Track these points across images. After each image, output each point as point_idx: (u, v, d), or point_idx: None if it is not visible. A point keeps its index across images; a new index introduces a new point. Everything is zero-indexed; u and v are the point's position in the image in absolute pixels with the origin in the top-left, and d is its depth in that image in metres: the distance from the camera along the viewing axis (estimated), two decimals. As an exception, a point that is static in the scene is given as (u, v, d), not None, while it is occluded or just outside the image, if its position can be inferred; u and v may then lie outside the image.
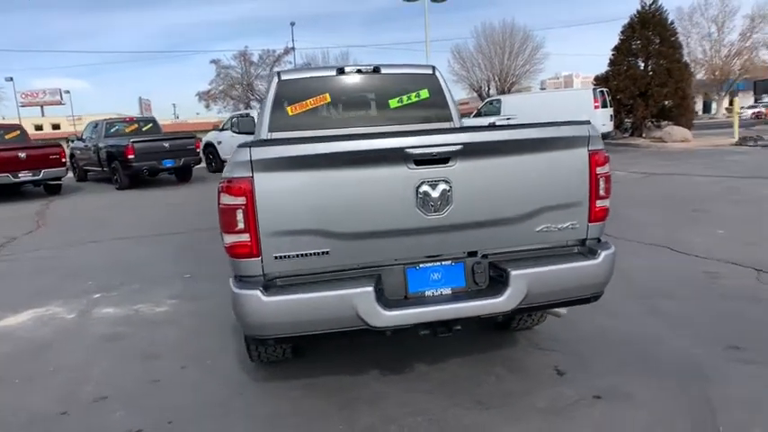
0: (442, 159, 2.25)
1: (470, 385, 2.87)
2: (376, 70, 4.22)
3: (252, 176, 2.15)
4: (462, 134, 2.28)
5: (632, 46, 17.71)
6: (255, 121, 5.66)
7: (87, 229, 8.21)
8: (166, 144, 12.77)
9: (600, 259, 2.44)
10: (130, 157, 12.13)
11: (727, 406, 2.52)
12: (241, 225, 2.18)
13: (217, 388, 2.97)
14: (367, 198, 2.24)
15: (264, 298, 2.16)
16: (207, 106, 25.76)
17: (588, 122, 2.45)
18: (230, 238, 2.22)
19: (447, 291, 2.39)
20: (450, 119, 4.31)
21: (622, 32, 18.24)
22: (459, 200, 2.28)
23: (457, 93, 54.99)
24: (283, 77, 4.05)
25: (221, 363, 3.28)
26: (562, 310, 2.93)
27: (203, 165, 15.68)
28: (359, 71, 4.19)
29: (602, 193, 2.47)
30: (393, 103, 4.23)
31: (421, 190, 2.25)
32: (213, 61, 25.57)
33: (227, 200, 2.19)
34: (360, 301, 2.20)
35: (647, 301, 3.90)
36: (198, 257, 5.91)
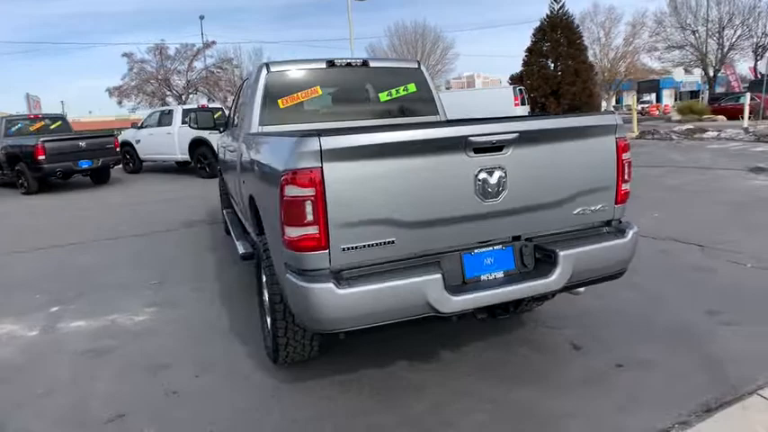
0: (497, 147, 2.33)
1: (502, 366, 2.98)
2: (365, 63, 4.21)
3: (321, 166, 2.09)
4: (517, 123, 2.37)
5: (543, 48, 18.95)
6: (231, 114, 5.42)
7: (3, 238, 7.35)
8: (82, 143, 11.69)
9: (629, 237, 2.65)
10: (41, 158, 10.98)
11: (730, 360, 2.84)
12: (310, 217, 2.11)
13: (245, 394, 2.83)
14: (430, 186, 2.26)
15: (339, 291, 2.11)
16: (119, 102, 23.82)
17: (614, 112, 2.64)
18: (296, 231, 2.14)
19: (500, 274, 2.47)
20: (436, 112, 4.40)
21: (534, 35, 19.46)
22: (512, 186, 2.37)
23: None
24: (272, 69, 3.91)
25: (237, 368, 3.12)
26: (581, 288, 3.13)
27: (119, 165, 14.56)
28: (348, 64, 4.16)
29: (626, 177, 2.67)
30: (383, 96, 4.24)
31: (480, 177, 2.32)
32: (126, 54, 23.70)
33: (295, 191, 2.10)
34: (430, 288, 2.23)
35: (621, 279, 4.25)
36: (154, 262, 5.53)
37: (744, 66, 32.05)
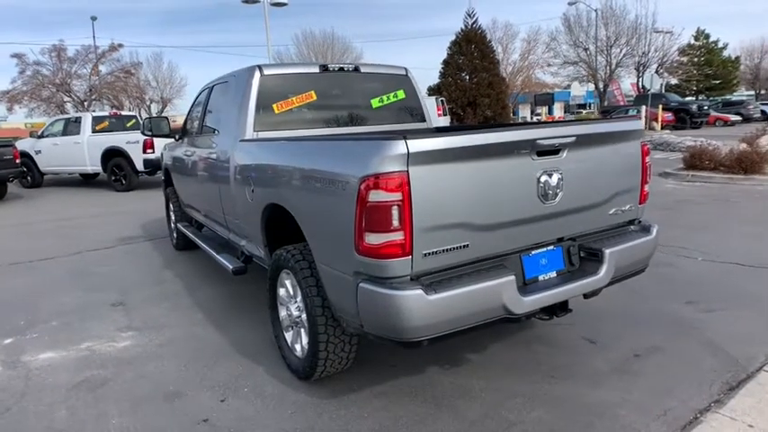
0: (554, 150, 2.41)
1: (530, 364, 3.06)
2: (356, 69, 4.16)
3: (407, 170, 2.03)
4: (573, 127, 2.47)
5: (459, 60, 19.80)
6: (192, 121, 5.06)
7: None
8: (-25, 154, 10.31)
9: (653, 234, 2.86)
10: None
11: (727, 342, 3.16)
12: (396, 223, 2.04)
13: (288, 416, 2.65)
14: (499, 189, 2.29)
15: (429, 297, 2.06)
16: (9, 109, 20.96)
17: (638, 118, 2.85)
18: (379, 238, 2.06)
19: (553, 274, 2.55)
20: (424, 119, 4.44)
21: (450, 48, 20.27)
22: (566, 188, 2.47)
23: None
24: (265, 72, 3.72)
25: (263, 389, 2.92)
26: None
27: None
28: (341, 69, 4.08)
29: (648, 179, 2.88)
30: (375, 102, 4.20)
31: (541, 180, 2.38)
32: (16, 55, 20.96)
33: (380, 196, 2.02)
34: (505, 290, 2.24)
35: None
36: (105, 283, 5.03)
37: (627, 82, 35.83)
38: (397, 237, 2.06)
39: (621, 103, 33.35)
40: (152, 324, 3.93)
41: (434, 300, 2.07)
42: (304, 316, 2.85)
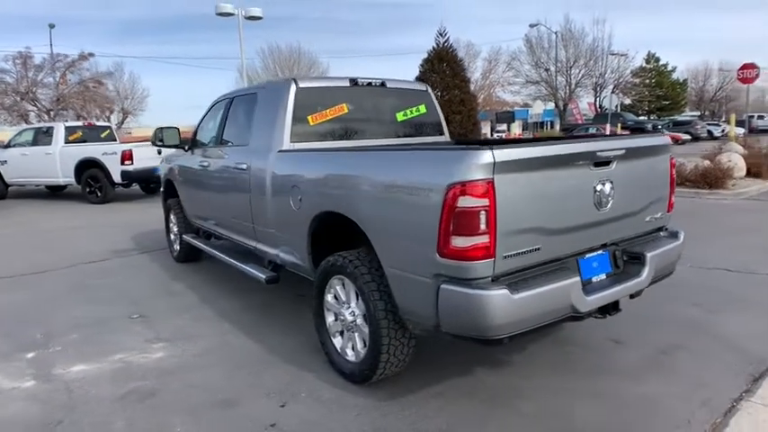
0: (607, 162, 2.62)
1: (568, 363, 3.25)
2: (383, 84, 4.31)
3: (493, 177, 2.18)
4: (623, 141, 2.70)
5: (432, 78, 20.27)
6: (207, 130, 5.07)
7: None
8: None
9: (681, 240, 3.12)
10: None
11: (739, 339, 3.43)
12: (483, 227, 2.19)
13: (349, 417, 2.72)
14: (565, 196, 2.48)
15: (513, 296, 2.20)
16: None
17: (664, 133, 3.11)
18: (466, 241, 2.20)
19: (603, 276, 2.74)
20: (443, 132, 4.63)
21: (422, 66, 20.71)
22: (616, 197, 2.68)
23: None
24: (301, 85, 3.82)
25: (319, 393, 2.97)
26: None
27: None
28: (369, 84, 4.22)
29: (674, 189, 3.14)
30: (400, 116, 4.36)
31: (597, 188, 2.59)
32: None
33: (469, 202, 2.17)
34: (573, 290, 2.42)
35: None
36: (114, 296, 4.93)
37: (585, 101, 37.46)
38: (483, 240, 2.20)
39: (579, 122, 34.79)
40: (180, 335, 3.90)
41: (517, 299, 2.22)
42: (360, 320, 2.95)
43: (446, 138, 4.63)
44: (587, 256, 2.68)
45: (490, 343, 2.31)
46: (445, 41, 20.83)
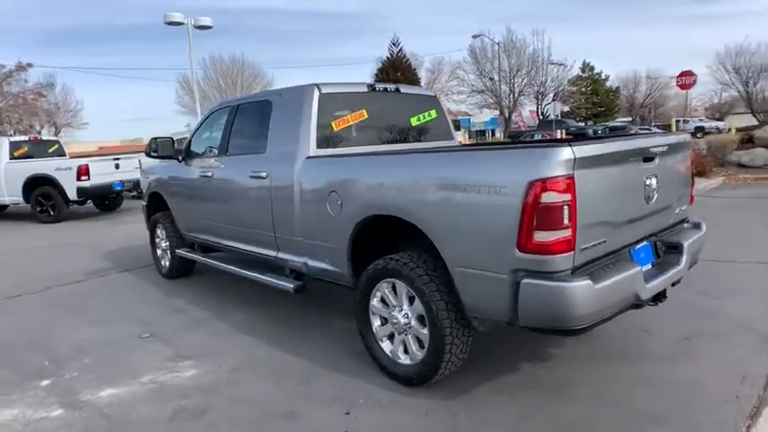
0: (652, 158, 2.78)
1: (606, 352, 3.38)
2: (397, 90, 4.35)
3: (573, 173, 2.27)
4: (664, 138, 2.87)
5: (387, 87, 20.58)
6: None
7: None
8: None
9: (704, 231, 3.34)
10: None
11: (750, 322, 3.70)
12: (566, 221, 2.27)
13: (420, 418, 2.72)
14: (625, 190, 2.61)
15: (595, 285, 2.29)
16: None
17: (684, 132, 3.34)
18: (550, 236, 2.27)
19: (649, 266, 2.89)
20: (452, 137, 4.73)
21: (376, 75, 21.00)
22: (659, 190, 2.85)
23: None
24: (324, 90, 3.79)
25: (375, 397, 2.95)
26: None
27: None
28: (385, 89, 4.25)
29: (694, 183, 3.37)
30: (414, 121, 4.41)
31: (647, 183, 2.74)
32: None
33: (553, 197, 2.24)
34: (637, 278, 2.55)
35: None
36: (110, 315, 4.67)
37: (527, 109, 39.01)
38: (566, 234, 2.28)
39: (523, 129, 36.17)
40: (203, 352, 3.74)
41: (598, 289, 2.31)
42: (414, 322, 2.95)
43: (454, 141, 4.73)
44: (636, 247, 2.83)
45: (570, 333, 2.39)
46: (399, 51, 21.33)
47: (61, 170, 10.71)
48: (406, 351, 3.07)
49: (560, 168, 2.26)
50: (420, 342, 2.97)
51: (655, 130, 34.73)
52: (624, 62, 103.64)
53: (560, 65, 34.59)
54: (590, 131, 29.82)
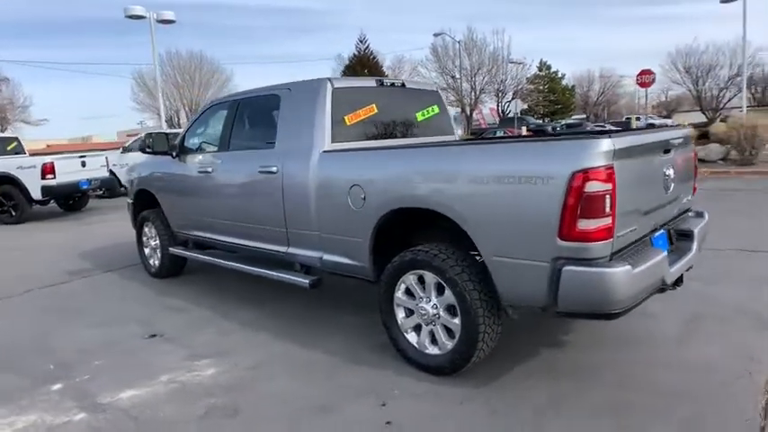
0: (669, 149, 2.93)
1: (621, 338, 3.50)
2: (403, 85, 4.38)
3: (613, 163, 2.38)
4: (678, 131, 3.02)
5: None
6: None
7: None
8: None
9: (707, 219, 3.53)
10: None
11: (745, 304, 3.93)
12: (608, 209, 2.37)
13: (456, 405, 2.77)
14: (650, 180, 2.74)
15: (634, 270, 2.40)
16: None
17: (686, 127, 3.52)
18: (593, 224, 2.36)
19: (665, 252, 3.04)
20: (453, 132, 4.80)
21: (344, 72, 20.91)
22: (675, 181, 3.01)
23: (150, 122, 51.02)
24: (336, 85, 3.78)
25: (408, 388, 2.97)
26: None
27: None
28: (392, 84, 4.27)
29: (697, 176, 3.56)
30: (419, 116, 4.45)
31: (666, 173, 2.89)
32: None
33: (596, 187, 2.33)
34: (664, 263, 2.68)
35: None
36: (106, 317, 4.52)
37: (487, 106, 39.76)
38: (607, 222, 2.38)
39: (484, 126, 36.84)
40: (217, 350, 3.67)
41: (636, 274, 2.42)
42: (443, 312, 3.01)
43: (455, 136, 4.80)
44: (656, 234, 2.97)
45: (607, 317, 2.50)
46: (366, 48, 21.32)
47: (24, 169, 10.20)
48: (433, 342, 3.12)
49: (602, 159, 2.36)
50: (449, 332, 3.02)
51: (609, 127, 36.15)
52: (579, 61, 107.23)
53: (519, 63, 35.47)
54: (549, 128, 30.70)
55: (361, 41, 20.83)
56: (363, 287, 3.81)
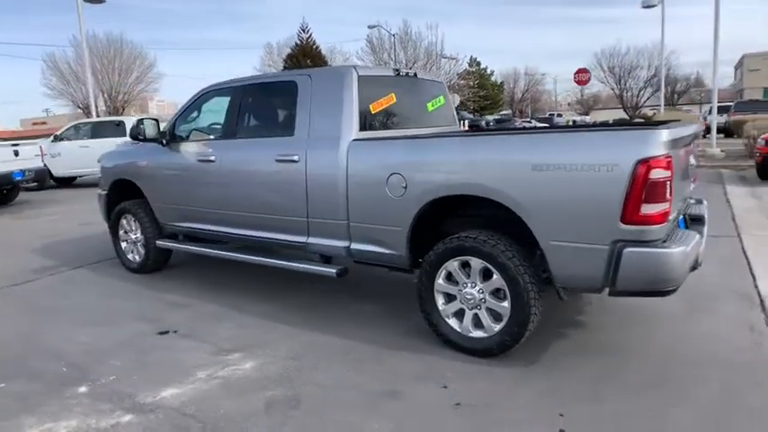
0: (690, 142, 3.22)
1: (637, 317, 3.80)
2: (415, 75, 4.43)
3: (670, 152, 2.59)
4: (696, 125, 3.32)
5: (298, 73, 20.14)
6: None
7: None
8: None
9: (705, 204, 3.89)
10: None
11: (735, 283, 4.38)
12: (668, 195, 2.58)
13: (515, 385, 2.90)
14: (683, 167, 3.01)
15: (687, 250, 2.64)
16: None
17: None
18: (655, 208, 2.57)
19: (698, 235, 3.30)
20: (456, 122, 4.91)
21: (285, 62, 20.46)
22: (690, 170, 3.31)
23: (59, 109, 47.10)
24: (361, 73, 3.76)
25: (461, 371, 3.07)
26: None
27: None
28: (407, 74, 4.31)
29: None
30: (429, 106, 4.52)
31: (690, 162, 3.17)
32: None
33: (660, 174, 2.54)
34: (700, 244, 2.97)
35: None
36: (98, 316, 4.25)
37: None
38: (666, 206, 2.60)
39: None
40: (245, 343, 3.57)
41: (687, 253, 2.67)
42: (489, 297, 3.12)
43: (457, 126, 4.92)
44: (679, 218, 3.26)
45: (662, 294, 2.72)
46: (309, 37, 20.96)
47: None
48: (476, 325, 3.22)
49: (662, 148, 2.56)
50: (494, 315, 3.14)
51: (535, 123, 38.11)
52: (506, 59, 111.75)
53: (452, 59, 36.32)
54: (483, 123, 31.79)
55: (303, 30, 20.48)
56: (372, 277, 3.85)
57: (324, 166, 3.70)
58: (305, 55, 20.27)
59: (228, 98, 4.45)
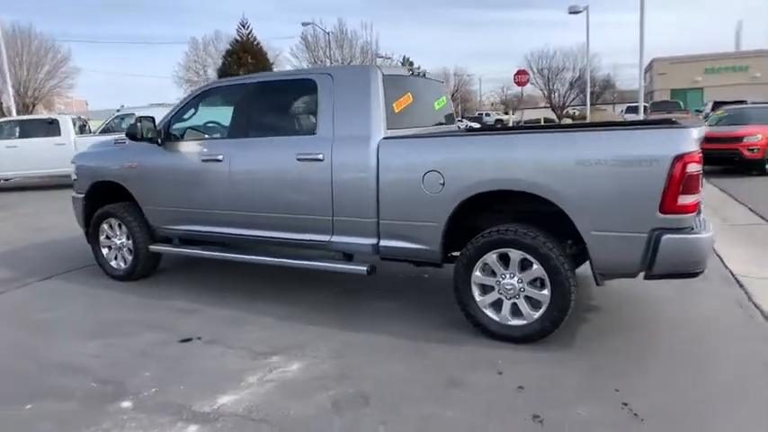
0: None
1: (643, 304, 4.15)
2: (424, 75, 4.53)
3: (700, 149, 2.89)
4: (704, 127, 3.67)
5: (240, 71, 19.52)
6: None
7: None
8: None
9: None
10: None
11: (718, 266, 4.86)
12: (700, 187, 2.87)
13: (558, 367, 3.10)
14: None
15: (713, 235, 2.95)
16: None
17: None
18: (691, 198, 2.85)
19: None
20: (455, 122, 5.08)
21: (225, 58, 19.81)
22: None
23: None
24: (385, 72, 3.81)
25: (508, 359, 3.21)
26: None
27: None
28: (419, 74, 4.40)
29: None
30: (436, 105, 4.64)
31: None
32: None
33: (694, 168, 2.82)
34: (715, 232, 3.29)
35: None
36: (102, 325, 4.03)
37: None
38: (698, 197, 2.90)
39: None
40: (280, 346, 3.51)
41: (714, 237, 2.98)
42: (527, 286, 3.31)
43: (456, 126, 5.09)
44: (692, 212, 3.61)
45: (694, 275, 3.03)
46: (249, 33, 20.39)
47: None
48: (514, 314, 3.39)
49: (695, 144, 2.86)
50: (533, 303, 3.32)
51: (467, 123, 39.43)
52: (436, 59, 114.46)
53: (387, 58, 36.77)
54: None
55: (243, 26, 19.88)
56: (381, 275, 4.00)
57: (352, 165, 3.72)
58: (245, 51, 19.71)
59: (236, 97, 4.34)
